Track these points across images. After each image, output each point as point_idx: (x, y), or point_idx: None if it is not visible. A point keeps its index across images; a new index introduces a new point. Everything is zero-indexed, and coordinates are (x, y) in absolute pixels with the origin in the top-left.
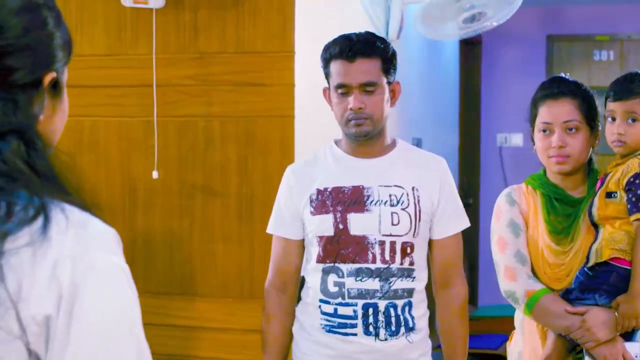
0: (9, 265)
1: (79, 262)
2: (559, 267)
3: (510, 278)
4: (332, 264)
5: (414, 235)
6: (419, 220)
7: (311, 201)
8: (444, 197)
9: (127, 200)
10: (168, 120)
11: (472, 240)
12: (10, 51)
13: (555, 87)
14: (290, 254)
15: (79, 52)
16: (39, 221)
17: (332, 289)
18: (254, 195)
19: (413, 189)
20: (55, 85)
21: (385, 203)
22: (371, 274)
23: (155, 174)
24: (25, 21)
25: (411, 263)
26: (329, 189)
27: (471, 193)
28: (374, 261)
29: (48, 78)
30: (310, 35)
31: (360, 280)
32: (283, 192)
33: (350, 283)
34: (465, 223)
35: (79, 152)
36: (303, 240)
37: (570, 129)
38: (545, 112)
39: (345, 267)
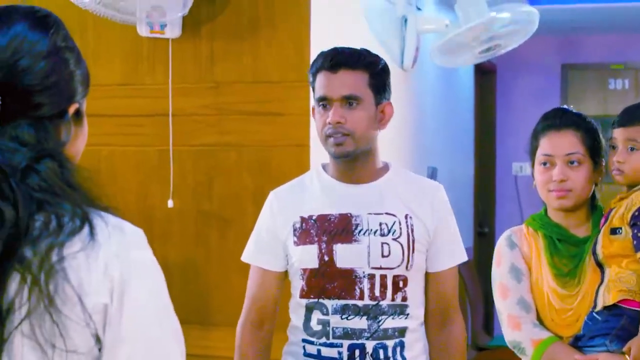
0: (70, 268)
1: (124, 260)
2: (566, 312)
3: (514, 327)
4: (315, 300)
5: (407, 267)
6: (413, 251)
7: (294, 230)
8: (439, 226)
9: (143, 229)
10: (184, 150)
11: (488, 269)
12: (39, 90)
13: (557, 118)
14: (269, 286)
15: (95, 81)
16: (86, 229)
17: (316, 327)
18: None
19: (406, 217)
20: (77, 114)
21: (375, 232)
22: (358, 311)
23: (170, 203)
24: (50, 64)
25: (404, 299)
26: (314, 217)
27: (486, 222)
28: (361, 297)
29: (72, 109)
30: None
31: (347, 318)
32: (264, 218)
33: (335, 321)
34: (462, 257)
35: (96, 180)
36: (284, 272)
37: (572, 162)
38: (547, 144)
39: (330, 304)
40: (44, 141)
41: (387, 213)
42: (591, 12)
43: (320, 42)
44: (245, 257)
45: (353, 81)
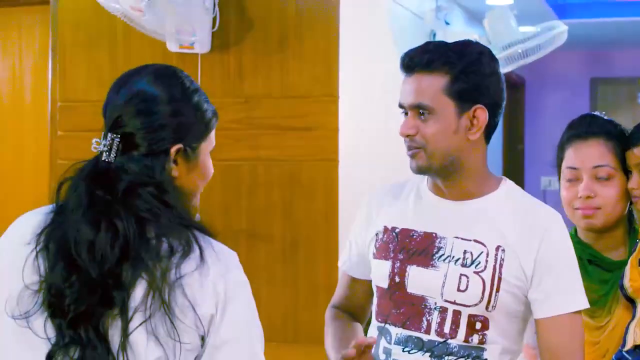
0: (187, 284)
1: (228, 279)
2: (592, 346)
3: (530, 359)
4: (383, 324)
5: (487, 307)
6: (497, 290)
7: (376, 240)
8: (546, 266)
9: None
10: (213, 164)
11: None
12: (139, 135)
13: (584, 126)
14: (356, 292)
15: None
16: (197, 251)
17: (381, 356)
18: (298, 239)
19: (498, 248)
20: (185, 152)
21: (456, 261)
22: (422, 346)
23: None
24: (147, 116)
25: (481, 342)
26: (397, 230)
27: None
28: (427, 331)
29: (173, 149)
30: (355, 80)
31: (408, 351)
32: (357, 218)
33: (397, 353)
34: (582, 302)
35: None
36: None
37: (601, 177)
38: (572, 156)
39: (394, 332)
40: (148, 172)
41: (475, 240)
42: (620, 26)
43: (348, 56)
44: (339, 261)
45: (424, 87)
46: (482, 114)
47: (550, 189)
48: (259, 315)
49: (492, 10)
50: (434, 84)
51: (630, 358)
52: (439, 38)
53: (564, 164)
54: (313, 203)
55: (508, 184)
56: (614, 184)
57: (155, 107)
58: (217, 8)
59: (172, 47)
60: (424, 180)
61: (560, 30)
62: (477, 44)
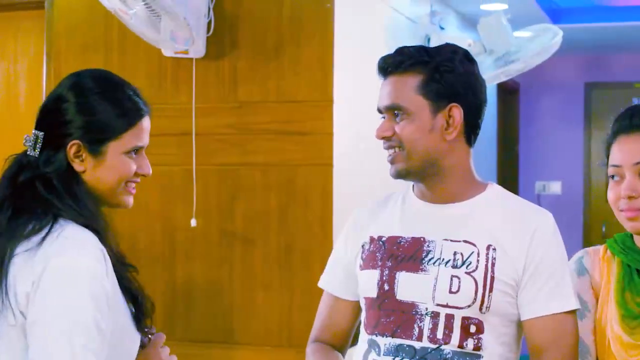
0: (14, 262)
1: (52, 262)
2: None
3: None
4: (371, 336)
5: (481, 309)
6: (490, 290)
7: (363, 252)
8: (537, 265)
9: (166, 248)
10: (207, 169)
11: None
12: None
13: (627, 119)
14: (339, 314)
15: None
16: (43, 234)
17: None
18: (293, 244)
19: (489, 247)
20: (91, 149)
21: (446, 263)
22: (414, 354)
23: (193, 222)
24: (48, 113)
25: (477, 347)
26: (383, 238)
27: None
28: (419, 338)
29: (69, 146)
30: (349, 85)
31: None
32: (340, 237)
33: None
34: (571, 303)
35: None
36: (357, 302)
37: None
38: (615, 152)
39: (383, 342)
40: (45, 166)
41: (465, 241)
42: (615, 31)
43: (343, 61)
44: (319, 282)
45: (398, 87)
46: (457, 113)
47: (544, 193)
48: (254, 319)
49: (486, 15)
50: (407, 84)
51: None
52: (433, 43)
53: (609, 162)
54: (308, 208)
55: (495, 187)
56: None
57: (61, 105)
58: (211, 13)
59: (167, 51)
60: (409, 189)
61: (555, 40)
62: (452, 45)
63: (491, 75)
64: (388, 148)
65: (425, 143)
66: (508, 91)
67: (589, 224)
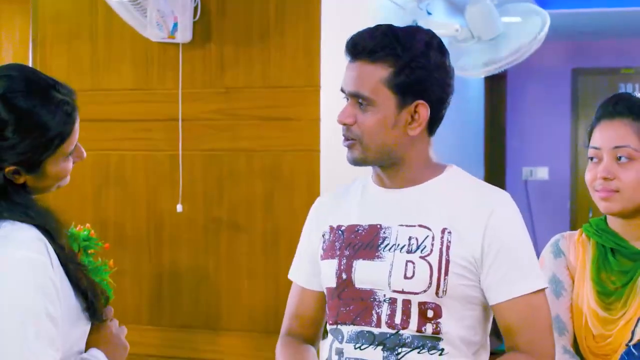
0: None
1: None
2: (604, 339)
3: None
4: (335, 326)
5: (437, 293)
6: (446, 274)
7: (323, 242)
8: (495, 247)
9: (152, 234)
10: (193, 154)
11: None
12: None
13: (611, 105)
14: (306, 304)
15: (106, 86)
16: None
17: (333, 358)
18: (279, 230)
19: (443, 231)
20: (32, 169)
21: (401, 248)
22: (373, 340)
23: (179, 208)
24: None
25: (436, 332)
26: (342, 228)
27: None
28: (378, 324)
29: (7, 171)
30: (336, 71)
31: (359, 348)
32: (305, 229)
33: (349, 351)
34: (532, 284)
35: (105, 185)
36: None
37: (620, 158)
38: (596, 135)
39: (345, 330)
40: None
41: (420, 225)
42: (601, 16)
43: (330, 47)
44: (289, 273)
45: (365, 75)
46: (423, 110)
47: (531, 179)
48: (240, 305)
49: (473, 1)
50: (375, 75)
51: (637, 353)
52: None
53: (590, 144)
54: (294, 194)
55: (454, 169)
56: (635, 167)
57: (11, 124)
58: None
59: (153, 36)
60: (369, 176)
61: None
62: (426, 32)
63: (482, 69)
64: (346, 137)
65: (385, 137)
66: (495, 77)
67: (575, 209)
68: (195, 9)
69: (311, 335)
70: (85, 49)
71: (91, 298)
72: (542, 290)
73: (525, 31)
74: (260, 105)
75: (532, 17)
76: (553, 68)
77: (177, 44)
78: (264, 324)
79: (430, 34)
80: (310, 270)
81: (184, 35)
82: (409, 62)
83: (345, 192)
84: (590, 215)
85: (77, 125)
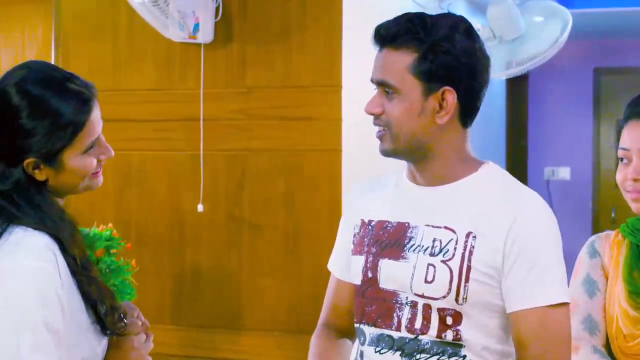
0: None
1: (1, 264)
2: (634, 339)
3: (573, 349)
4: (358, 325)
5: (457, 300)
6: (467, 280)
7: (354, 235)
8: (515, 249)
9: (174, 233)
10: (215, 154)
11: None
12: None
13: (638, 106)
14: (341, 296)
15: (127, 86)
16: None
17: (358, 359)
18: (300, 229)
19: (468, 235)
20: (51, 162)
21: (425, 250)
22: (392, 344)
23: (200, 207)
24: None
25: (457, 338)
26: (373, 222)
27: None
28: (398, 328)
29: (25, 163)
30: (357, 70)
31: (379, 352)
32: (343, 217)
33: (369, 355)
34: (553, 297)
35: (127, 185)
36: None
37: None
38: (625, 136)
39: (368, 332)
40: (3, 180)
41: (445, 227)
42: (624, 16)
43: (351, 46)
44: (329, 262)
45: (390, 63)
46: (450, 97)
47: (553, 179)
48: (262, 304)
49: (495, 0)
50: (399, 62)
51: None
52: None
53: (619, 144)
54: (316, 193)
55: (490, 167)
56: None
57: (12, 120)
58: None
59: (175, 37)
60: (405, 169)
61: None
62: (453, 16)
63: (504, 70)
64: (376, 125)
65: (413, 126)
66: (516, 77)
67: (598, 209)
68: (217, 9)
69: (347, 326)
70: (107, 49)
71: (102, 311)
72: (563, 304)
73: (547, 32)
74: (282, 104)
75: (554, 17)
76: (575, 67)
77: (199, 44)
78: (285, 323)
79: (457, 18)
80: (344, 261)
81: (205, 35)
82: (432, 47)
83: (380, 183)
84: (613, 215)
85: (94, 117)
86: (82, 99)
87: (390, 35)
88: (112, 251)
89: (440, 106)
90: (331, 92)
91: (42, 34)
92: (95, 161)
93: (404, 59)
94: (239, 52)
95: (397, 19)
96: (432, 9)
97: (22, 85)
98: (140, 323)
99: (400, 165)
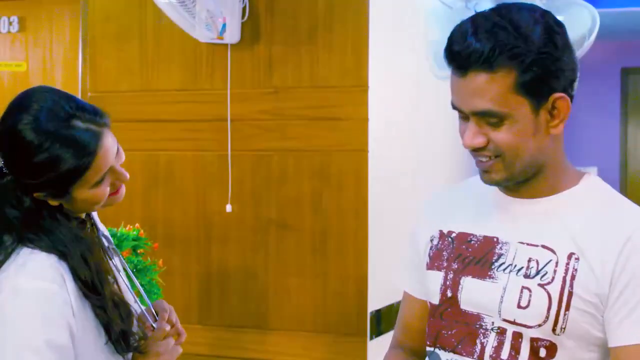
0: None
1: (5, 285)
2: None
3: None
4: (432, 348)
5: (554, 330)
6: (567, 309)
7: (430, 247)
8: (624, 277)
9: (202, 234)
10: (242, 155)
11: None
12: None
13: None
14: (413, 314)
15: (154, 87)
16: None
17: None
18: (328, 230)
19: (570, 256)
20: (60, 196)
21: (518, 271)
22: None
23: (229, 208)
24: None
25: None
26: (453, 234)
27: None
28: (481, 357)
29: (36, 195)
30: (384, 70)
31: None
32: (414, 227)
33: None
34: None
35: (155, 185)
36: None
37: None
38: None
39: (444, 358)
40: (14, 207)
41: (543, 246)
42: None
43: (378, 46)
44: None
45: (488, 89)
46: (562, 103)
47: None
48: (289, 305)
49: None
50: (500, 84)
51: None
52: None
53: None
54: (343, 194)
55: (592, 180)
56: None
57: (26, 156)
58: None
59: (202, 38)
60: (479, 174)
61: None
62: (533, 10)
63: None
64: (484, 156)
65: (530, 147)
66: None
67: None
68: (244, 9)
69: (419, 347)
70: (134, 50)
71: (113, 336)
72: None
73: (574, 32)
74: (309, 105)
75: (582, 17)
76: (602, 67)
77: (226, 45)
78: (312, 323)
79: (539, 10)
80: (415, 275)
81: (232, 35)
82: (534, 59)
83: (460, 191)
84: None
85: (103, 152)
86: (87, 139)
87: (482, 57)
88: (139, 251)
89: (551, 115)
90: (358, 93)
91: (69, 35)
92: (107, 189)
93: (504, 80)
94: (266, 52)
95: (480, 33)
96: (459, 9)
97: (20, 131)
98: (168, 327)
99: (430, 170)
